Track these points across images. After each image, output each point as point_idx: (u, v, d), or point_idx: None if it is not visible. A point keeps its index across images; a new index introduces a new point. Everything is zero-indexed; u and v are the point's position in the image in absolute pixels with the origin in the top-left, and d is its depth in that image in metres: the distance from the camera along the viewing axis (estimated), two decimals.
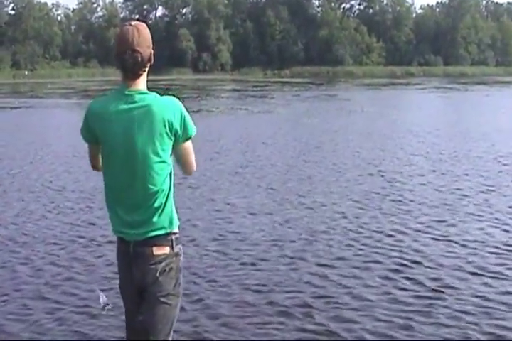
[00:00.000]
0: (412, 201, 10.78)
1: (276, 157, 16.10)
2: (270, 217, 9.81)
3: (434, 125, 23.81)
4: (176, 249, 3.66)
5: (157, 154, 3.51)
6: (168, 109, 3.51)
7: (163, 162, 3.56)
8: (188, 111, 3.58)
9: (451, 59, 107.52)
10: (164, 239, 3.62)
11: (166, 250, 3.62)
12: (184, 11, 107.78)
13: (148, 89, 3.58)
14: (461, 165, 14.47)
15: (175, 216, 3.69)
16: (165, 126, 3.48)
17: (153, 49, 3.58)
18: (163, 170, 3.57)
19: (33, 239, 8.72)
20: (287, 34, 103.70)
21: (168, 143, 3.55)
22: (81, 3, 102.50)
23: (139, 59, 3.47)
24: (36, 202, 11.06)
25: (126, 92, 3.53)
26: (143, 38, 3.50)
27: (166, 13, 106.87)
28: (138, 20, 3.74)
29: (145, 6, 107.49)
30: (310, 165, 14.70)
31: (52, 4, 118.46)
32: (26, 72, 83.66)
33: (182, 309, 5.93)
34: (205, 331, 5.63)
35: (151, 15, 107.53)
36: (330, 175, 13.43)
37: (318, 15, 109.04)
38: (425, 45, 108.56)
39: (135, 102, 3.50)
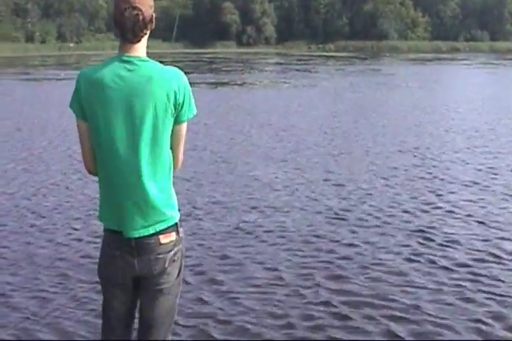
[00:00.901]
0: (442, 179, 10.62)
1: (311, 131, 15.95)
2: (296, 192, 9.75)
3: (477, 101, 23.36)
4: (180, 233, 3.27)
5: (158, 130, 3.09)
6: (174, 79, 3.10)
7: (164, 140, 3.15)
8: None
9: (498, 34, 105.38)
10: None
11: (173, 236, 3.21)
12: None
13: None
14: (497, 143, 14.19)
15: (176, 200, 3.28)
16: (169, 99, 3.07)
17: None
18: (164, 147, 3.16)
19: (53, 210, 8.76)
20: (332, 8, 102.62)
21: (171, 119, 3.12)
22: None
23: (140, 17, 3.07)
24: (61, 174, 11.15)
25: (125, 58, 3.12)
26: None
27: None
28: None
29: None
30: (344, 140, 14.61)
31: None
32: (71, 45, 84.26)
33: (195, 286, 5.82)
34: (219, 310, 5.55)
35: None
36: (362, 150, 13.31)
37: None
38: (471, 20, 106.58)
39: (135, 69, 3.08)
